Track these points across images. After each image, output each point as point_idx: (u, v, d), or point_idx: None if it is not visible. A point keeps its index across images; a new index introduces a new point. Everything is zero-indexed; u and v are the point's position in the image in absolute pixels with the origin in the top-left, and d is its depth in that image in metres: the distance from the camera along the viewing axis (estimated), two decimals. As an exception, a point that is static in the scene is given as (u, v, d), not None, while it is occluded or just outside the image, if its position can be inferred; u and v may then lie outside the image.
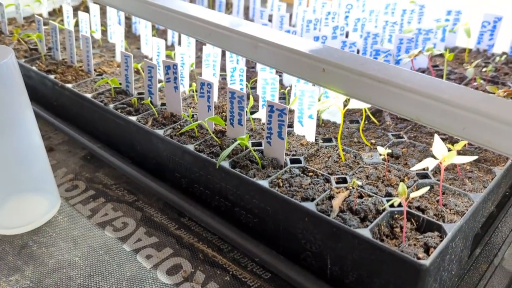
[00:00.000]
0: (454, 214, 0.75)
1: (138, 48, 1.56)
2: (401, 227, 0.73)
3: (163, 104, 1.15)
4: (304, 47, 0.78)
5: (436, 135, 0.74)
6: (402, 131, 1.00)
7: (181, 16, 0.98)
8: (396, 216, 0.75)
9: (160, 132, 1.02)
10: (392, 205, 0.75)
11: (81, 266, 0.90)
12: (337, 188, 0.81)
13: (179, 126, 1.05)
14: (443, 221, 0.73)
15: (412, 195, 0.68)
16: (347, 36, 1.46)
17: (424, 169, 0.86)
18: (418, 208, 0.76)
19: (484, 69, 1.19)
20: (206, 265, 0.88)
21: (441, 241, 0.69)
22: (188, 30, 0.98)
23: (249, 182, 0.84)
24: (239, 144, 0.92)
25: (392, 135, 0.98)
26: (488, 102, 0.61)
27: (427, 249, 0.68)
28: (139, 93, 1.22)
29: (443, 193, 0.80)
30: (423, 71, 1.28)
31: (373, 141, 0.96)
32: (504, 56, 1.31)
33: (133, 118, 1.08)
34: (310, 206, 0.76)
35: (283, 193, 0.80)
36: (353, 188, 0.80)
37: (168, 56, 1.32)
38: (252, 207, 0.86)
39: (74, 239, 0.96)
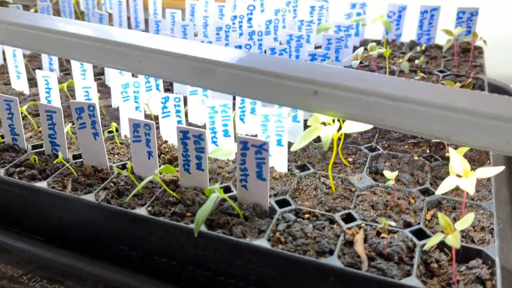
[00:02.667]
0: (480, 231, 0.68)
1: (7, 84, 1.21)
2: (437, 261, 0.63)
3: (75, 157, 0.88)
4: (293, 69, 0.62)
5: (451, 150, 0.66)
6: (372, 141, 0.91)
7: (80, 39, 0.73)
8: (426, 249, 0.65)
9: (90, 197, 0.76)
10: (419, 236, 0.65)
11: None
12: (349, 229, 0.68)
13: (112, 184, 0.80)
14: (474, 242, 0.65)
15: (459, 227, 0.58)
16: (260, 40, 1.33)
17: (419, 183, 0.78)
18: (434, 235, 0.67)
19: (416, 62, 1.17)
20: None
21: (491, 269, 0.60)
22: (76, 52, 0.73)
23: (242, 245, 0.66)
24: (203, 193, 0.73)
25: (365, 147, 0.88)
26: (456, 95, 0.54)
27: (481, 283, 0.59)
28: (33, 146, 0.92)
29: (454, 208, 0.72)
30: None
31: (350, 159, 0.85)
32: (424, 46, 1.32)
33: (42, 184, 0.80)
34: (333, 261, 0.62)
35: (291, 251, 0.64)
36: (366, 225, 0.67)
37: (61, 91, 1.03)
38: (246, 273, 0.68)
39: None
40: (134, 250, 0.77)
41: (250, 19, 1.42)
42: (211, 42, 1.19)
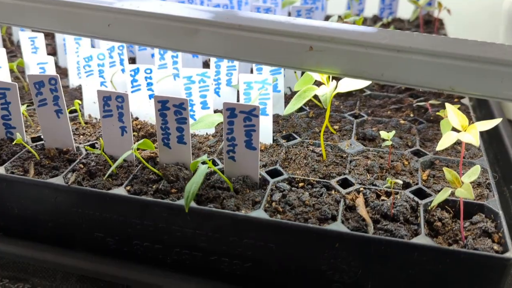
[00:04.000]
0: (477, 187, 0.66)
1: None
2: (440, 220, 0.61)
3: (35, 140, 0.79)
4: (289, 23, 0.57)
5: (448, 105, 0.64)
6: (354, 108, 0.88)
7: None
8: (429, 208, 0.63)
9: (58, 180, 0.68)
10: (421, 196, 0.62)
11: None
12: (348, 193, 0.65)
13: (81, 166, 0.72)
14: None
15: (467, 180, 0.56)
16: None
17: (408, 145, 0.76)
18: (439, 191, 0.65)
19: (385, 31, 1.16)
20: None
21: (496, 223, 0.59)
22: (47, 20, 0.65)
23: (238, 218, 0.61)
24: (186, 169, 0.67)
25: (349, 115, 0.85)
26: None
27: (489, 236, 0.58)
28: (-17, 131, 0.81)
29: (447, 167, 0.71)
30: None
31: (335, 126, 0.82)
32: (390, 17, 1.32)
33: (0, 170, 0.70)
34: (339, 227, 0.58)
35: (292, 220, 0.60)
36: (364, 189, 0.64)
37: (11, 72, 0.92)
38: (242, 250, 0.63)
39: None
40: (111, 236, 0.70)
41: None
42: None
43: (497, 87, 0.53)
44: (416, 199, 0.63)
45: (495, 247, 0.55)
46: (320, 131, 0.81)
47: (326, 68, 0.58)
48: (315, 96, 0.89)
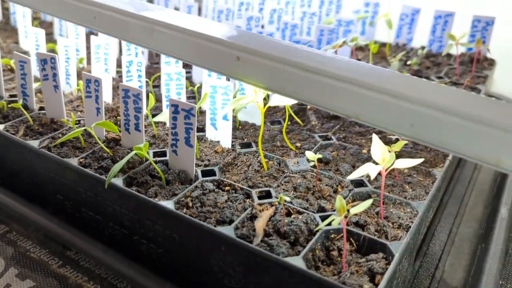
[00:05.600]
0: (398, 228, 0.63)
1: (16, 43, 1.29)
2: (339, 250, 0.59)
3: (42, 109, 0.92)
4: (213, 31, 0.62)
5: (374, 136, 0.62)
6: (330, 131, 0.87)
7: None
8: (332, 236, 0.61)
9: (35, 143, 0.79)
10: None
11: None
12: (260, 205, 0.66)
13: (60, 135, 0.83)
14: (387, 238, 0.61)
15: (353, 211, 0.54)
16: (262, 28, 1.32)
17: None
18: (356, 224, 0.63)
19: (408, 62, 1.12)
20: (97, 314, 0.68)
21: (388, 264, 0.56)
22: (65, 12, 0.77)
23: (149, 204, 0.66)
24: (136, 154, 0.74)
25: (319, 136, 0.85)
26: (441, 93, 0.50)
27: (372, 277, 0.55)
28: (11, 96, 0.97)
29: (383, 203, 0.68)
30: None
31: (298, 144, 0.83)
32: (425, 50, 1.25)
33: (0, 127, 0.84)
34: (228, 231, 0.60)
35: (192, 216, 0.63)
36: (279, 204, 0.65)
37: (51, 50, 1.08)
38: (154, 235, 0.68)
39: None
40: (67, 200, 0.79)
41: (261, 9, 1.42)
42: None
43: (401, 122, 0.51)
44: (319, 222, 0.62)
45: (366, 286, 0.53)
46: (282, 145, 0.82)
47: (250, 78, 0.60)
48: (296, 112, 0.91)
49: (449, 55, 1.28)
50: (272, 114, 0.95)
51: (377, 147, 0.60)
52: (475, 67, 1.16)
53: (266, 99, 0.73)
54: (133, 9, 0.68)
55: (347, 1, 1.42)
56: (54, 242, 0.82)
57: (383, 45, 1.33)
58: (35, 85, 0.92)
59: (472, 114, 0.45)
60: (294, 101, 0.66)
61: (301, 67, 0.55)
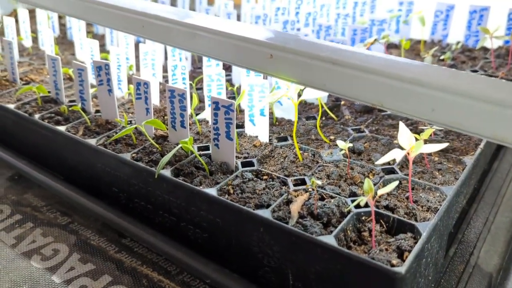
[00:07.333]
0: (426, 211, 0.66)
1: (73, 54, 1.42)
2: (370, 231, 0.64)
3: (97, 111, 1.02)
4: (247, 32, 0.68)
5: (401, 123, 0.66)
6: (363, 125, 0.91)
7: (108, 8, 0.86)
8: (363, 218, 0.65)
9: (92, 141, 0.89)
10: (358, 206, 0.65)
11: (-2, 306, 0.75)
12: (295, 191, 0.71)
13: (114, 134, 0.92)
14: (416, 220, 0.64)
15: (380, 192, 0.59)
16: (298, 31, 1.38)
17: (390, 163, 0.78)
18: (386, 208, 0.67)
19: (442, 57, 1.13)
20: (150, 292, 0.76)
21: (416, 243, 0.60)
22: (117, 23, 0.86)
23: (194, 191, 0.73)
24: (182, 149, 0.81)
25: (352, 129, 0.89)
26: (458, 79, 0.53)
27: (401, 254, 0.59)
28: (71, 101, 1.08)
29: (413, 189, 0.71)
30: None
31: (332, 137, 0.87)
32: (460, 44, 1.26)
33: (62, 128, 0.94)
34: (265, 213, 0.66)
35: (233, 201, 0.69)
36: (312, 189, 0.70)
37: (104, 59, 1.18)
38: (200, 221, 0.75)
39: (-8, 274, 0.81)
40: (122, 192, 0.88)
41: (297, 13, 1.47)
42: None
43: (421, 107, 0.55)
44: (350, 204, 0.66)
45: (394, 261, 0.56)
46: (316, 139, 0.87)
47: (283, 74, 0.66)
48: (330, 108, 0.96)
49: (485, 49, 1.28)
50: (307, 110, 1.00)
51: (404, 134, 0.64)
52: (511, 59, 1.16)
53: (300, 93, 0.78)
54: (177, 17, 0.76)
55: (381, 0, 1.45)
56: (111, 230, 0.91)
57: (418, 42, 1.35)
58: (91, 91, 1.02)
59: (490, 97, 0.49)
60: (325, 94, 0.71)
61: (328, 61, 0.61)
